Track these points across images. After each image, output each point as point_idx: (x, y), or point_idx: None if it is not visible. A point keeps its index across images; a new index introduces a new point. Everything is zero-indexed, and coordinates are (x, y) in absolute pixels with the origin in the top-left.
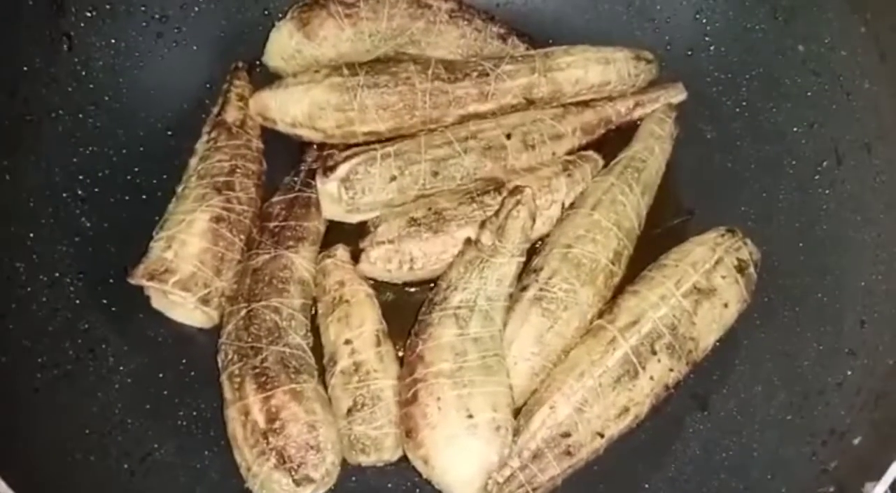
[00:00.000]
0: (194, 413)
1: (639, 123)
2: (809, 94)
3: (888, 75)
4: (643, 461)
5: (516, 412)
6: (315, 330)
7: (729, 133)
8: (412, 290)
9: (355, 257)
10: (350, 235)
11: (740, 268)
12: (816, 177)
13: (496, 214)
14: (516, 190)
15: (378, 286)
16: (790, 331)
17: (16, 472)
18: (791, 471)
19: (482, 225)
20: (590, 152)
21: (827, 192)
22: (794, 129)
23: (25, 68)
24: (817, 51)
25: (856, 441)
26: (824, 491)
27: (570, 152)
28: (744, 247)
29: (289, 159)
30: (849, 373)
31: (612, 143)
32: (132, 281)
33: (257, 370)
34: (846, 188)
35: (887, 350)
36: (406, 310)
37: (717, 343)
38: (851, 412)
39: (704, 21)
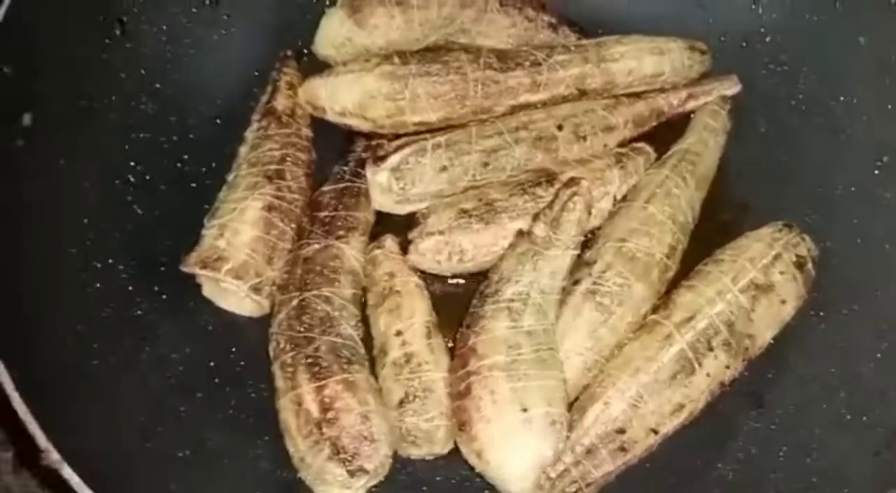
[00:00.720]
0: (245, 402)
1: (691, 115)
2: (870, 89)
3: None
4: (696, 459)
5: (569, 407)
6: (365, 321)
7: (784, 127)
8: (461, 281)
9: (404, 248)
10: (399, 226)
11: (799, 264)
12: (875, 172)
13: (550, 205)
14: (572, 181)
15: (426, 278)
16: (848, 328)
17: (74, 461)
18: (852, 473)
19: (535, 217)
20: (642, 144)
21: (885, 189)
22: (852, 123)
23: (79, 54)
24: (878, 43)
25: None
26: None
27: (621, 144)
28: (802, 243)
29: (337, 149)
30: None
31: (664, 135)
32: (184, 269)
33: (310, 360)
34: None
35: None
36: (454, 302)
37: (773, 340)
38: None
39: (760, 11)
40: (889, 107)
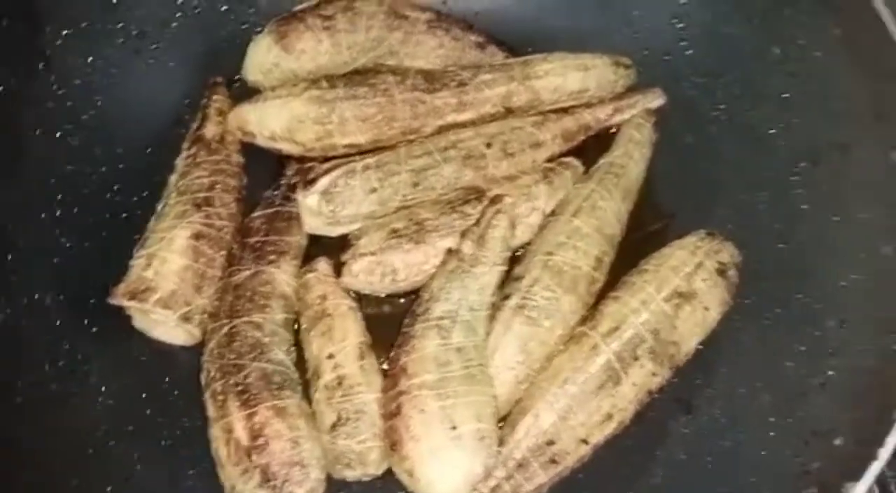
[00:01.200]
0: (178, 432)
1: (618, 128)
2: (785, 96)
3: (862, 75)
4: (629, 467)
5: (502, 421)
6: (299, 345)
7: (707, 136)
8: (401, 301)
9: (338, 270)
10: (332, 249)
11: (721, 271)
12: (794, 178)
13: (476, 223)
14: (496, 199)
15: (362, 299)
16: (772, 333)
17: None
18: (774, 473)
19: (463, 235)
20: (570, 159)
21: (805, 193)
22: (771, 130)
23: (2, 89)
24: (792, 53)
25: (837, 442)
26: (807, 491)
27: (550, 159)
28: (724, 250)
29: (270, 173)
30: (830, 373)
31: (593, 149)
32: (112, 301)
33: (240, 387)
34: (823, 189)
35: (867, 350)
36: (391, 322)
37: (701, 347)
38: (833, 413)
39: (681, 26)
40: (802, 114)
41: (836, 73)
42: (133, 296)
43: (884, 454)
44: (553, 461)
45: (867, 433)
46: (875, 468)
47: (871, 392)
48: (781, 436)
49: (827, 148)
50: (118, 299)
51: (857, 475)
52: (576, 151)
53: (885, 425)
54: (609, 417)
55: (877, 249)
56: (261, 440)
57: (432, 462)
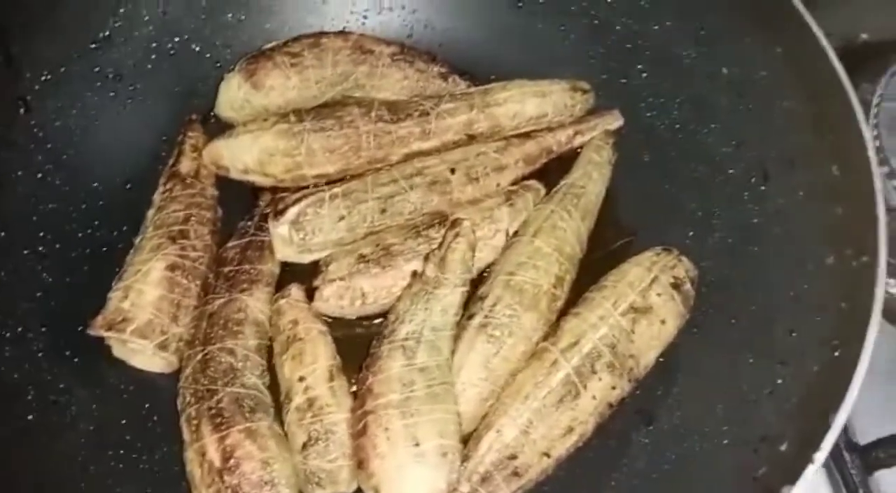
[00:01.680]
0: (156, 457)
1: (579, 150)
2: (735, 114)
3: (805, 92)
4: (592, 478)
5: (467, 438)
6: (272, 369)
7: (664, 156)
8: (372, 323)
9: (309, 295)
10: (304, 275)
11: (676, 285)
12: (746, 194)
13: (438, 246)
14: (455, 223)
15: (333, 322)
16: (727, 343)
17: None
18: (725, 480)
19: (426, 258)
20: (531, 182)
21: (756, 208)
22: (723, 148)
23: None
24: (739, 73)
25: (782, 447)
26: None
27: (514, 182)
28: (679, 265)
29: (245, 205)
30: (779, 381)
31: (556, 171)
32: (91, 332)
33: (213, 411)
34: (773, 203)
35: (813, 358)
36: (363, 343)
37: (661, 359)
38: (780, 420)
39: (636, 49)
40: (751, 132)
41: (780, 91)
42: (110, 327)
43: (819, 457)
44: (516, 475)
45: (808, 437)
46: (810, 472)
47: (815, 398)
48: (734, 444)
49: (775, 163)
50: (96, 329)
51: (794, 479)
52: (538, 174)
53: (822, 430)
54: (570, 430)
55: (822, 259)
56: (232, 462)
57: (397, 479)
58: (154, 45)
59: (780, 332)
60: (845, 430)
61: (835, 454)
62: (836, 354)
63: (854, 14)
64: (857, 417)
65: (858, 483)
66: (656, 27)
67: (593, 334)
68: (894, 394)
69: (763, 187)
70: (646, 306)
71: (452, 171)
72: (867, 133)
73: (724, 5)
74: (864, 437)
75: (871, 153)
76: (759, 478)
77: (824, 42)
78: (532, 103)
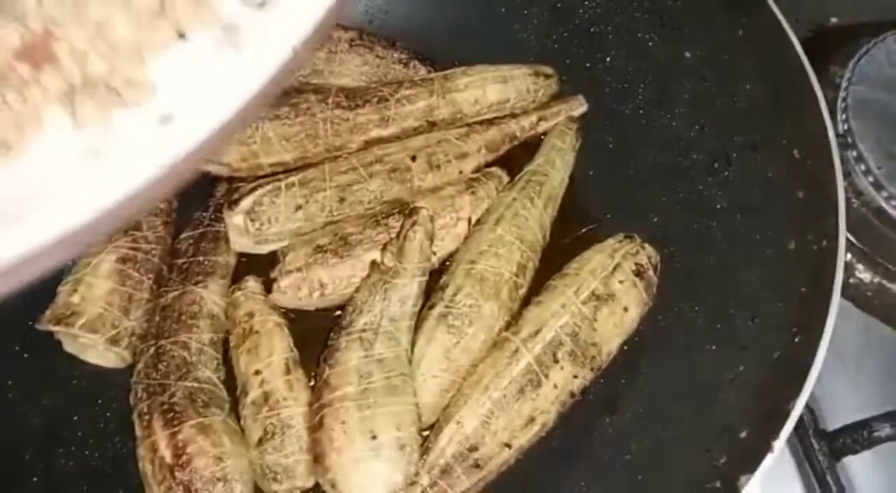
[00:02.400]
0: (109, 454)
1: (543, 137)
2: (698, 98)
3: (767, 76)
4: (555, 468)
5: (429, 430)
6: (229, 363)
7: (628, 141)
8: (334, 314)
9: (267, 287)
10: (262, 267)
11: (638, 272)
12: (709, 178)
13: (396, 236)
14: (413, 211)
15: (292, 315)
16: (691, 330)
17: None
18: (687, 469)
19: (383, 248)
20: (494, 169)
21: (719, 192)
22: (687, 133)
23: None
24: (702, 56)
25: (742, 435)
26: (711, 487)
27: (477, 170)
28: (641, 251)
29: (201, 195)
30: (741, 368)
31: (519, 158)
32: (40, 327)
33: (165, 407)
34: (736, 188)
35: (774, 344)
36: (323, 335)
37: (625, 347)
38: (741, 407)
39: (599, 33)
40: (714, 116)
41: (742, 74)
42: (59, 321)
43: (778, 445)
44: (477, 466)
45: (766, 425)
46: (769, 460)
47: (775, 385)
48: (695, 432)
49: (738, 148)
50: (45, 324)
51: (753, 468)
52: (501, 161)
53: (781, 417)
54: (531, 420)
55: (784, 244)
56: (184, 458)
57: (353, 473)
58: None
59: (742, 318)
60: (813, 416)
61: (803, 440)
62: (797, 340)
63: None
64: (824, 403)
65: (826, 469)
66: (619, 11)
67: (555, 323)
68: (862, 380)
69: (726, 172)
70: (608, 293)
71: (413, 158)
72: (827, 117)
73: None
74: (832, 423)
75: (832, 137)
76: (720, 467)
77: (786, 25)
78: (494, 89)
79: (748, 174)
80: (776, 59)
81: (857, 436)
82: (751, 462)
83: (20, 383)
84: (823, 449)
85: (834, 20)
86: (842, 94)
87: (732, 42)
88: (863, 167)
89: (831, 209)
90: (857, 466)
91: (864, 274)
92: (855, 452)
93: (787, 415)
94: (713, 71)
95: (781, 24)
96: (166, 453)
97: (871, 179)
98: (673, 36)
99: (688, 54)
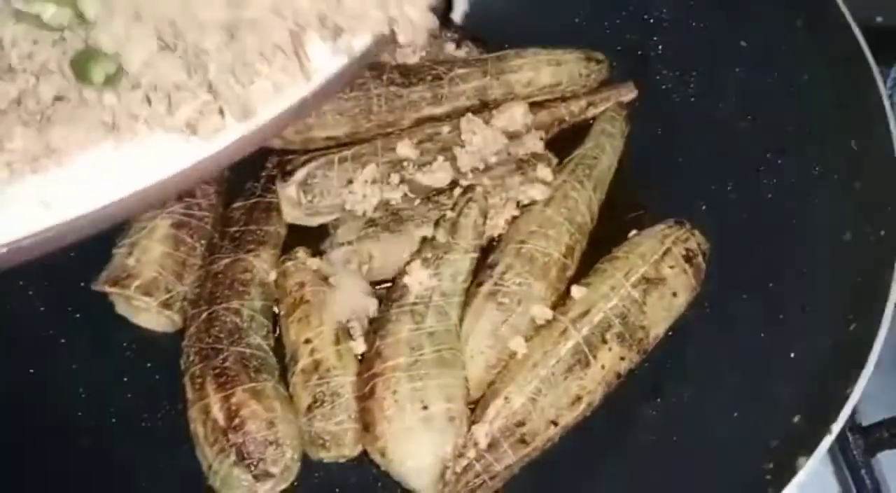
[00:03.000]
0: (158, 415)
1: (592, 121)
2: (752, 87)
3: (823, 66)
4: (598, 449)
5: (474, 404)
6: (278, 331)
7: (678, 128)
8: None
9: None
10: (312, 239)
11: (688, 258)
12: (761, 167)
13: (451, 210)
14: (468, 189)
15: None
16: (739, 318)
17: None
18: (737, 452)
19: (436, 223)
20: (544, 151)
21: (771, 182)
22: (740, 122)
23: None
24: (759, 46)
25: (795, 420)
26: (764, 468)
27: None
28: (692, 238)
29: (253, 166)
30: (791, 355)
31: (569, 141)
32: (95, 287)
33: (217, 370)
34: (788, 178)
35: (825, 333)
36: None
37: (671, 332)
38: (792, 393)
39: (652, 21)
40: (768, 105)
41: (799, 64)
42: (115, 282)
43: (836, 428)
44: (523, 442)
45: (822, 409)
46: (827, 442)
47: (828, 372)
48: (744, 416)
49: (792, 138)
50: (101, 285)
51: (810, 450)
52: (551, 144)
53: (838, 401)
54: (578, 399)
55: (838, 235)
56: (237, 421)
57: (404, 441)
58: None
59: (793, 307)
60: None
61: (839, 434)
62: (851, 328)
63: None
64: (860, 398)
65: (861, 464)
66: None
67: (604, 304)
68: None
69: (779, 161)
70: (658, 277)
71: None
72: (888, 107)
73: None
74: (867, 418)
75: (893, 129)
76: (772, 449)
77: (848, 15)
78: (546, 72)
79: (802, 164)
80: (836, 48)
81: (894, 431)
82: (808, 444)
83: (72, 344)
84: (859, 444)
85: (879, 19)
86: (887, 92)
87: (791, 31)
88: None
89: (890, 200)
90: (893, 460)
91: None
92: (891, 446)
93: (845, 399)
94: (770, 60)
95: (843, 13)
96: (219, 415)
97: None
98: (729, 25)
99: (743, 43)
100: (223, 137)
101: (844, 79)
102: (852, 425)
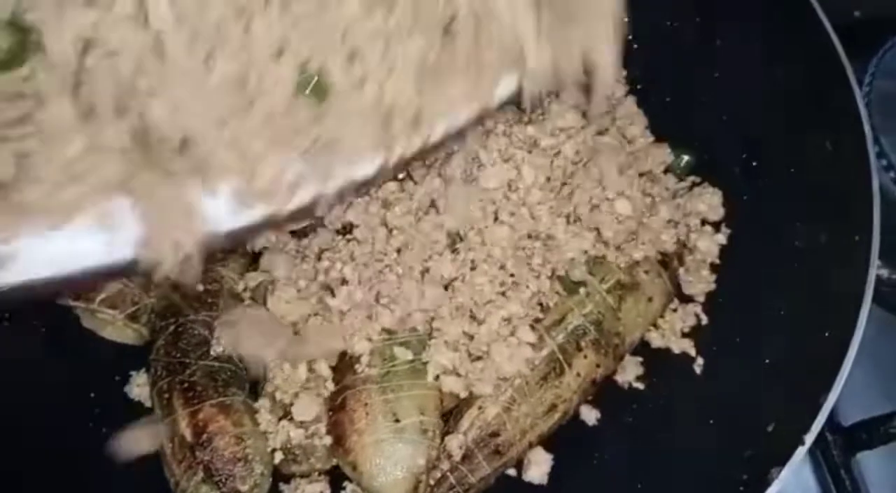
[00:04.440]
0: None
1: None
2: (727, 88)
3: (799, 66)
4: (569, 459)
5: (449, 415)
6: None
7: (653, 131)
8: None
9: None
10: None
11: (663, 263)
12: (736, 169)
13: None
14: None
15: None
16: (715, 323)
17: None
18: (712, 461)
19: None
20: None
21: (747, 184)
22: (714, 123)
23: None
24: (734, 45)
25: (769, 428)
26: (738, 479)
27: None
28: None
29: None
30: (767, 361)
31: None
32: (60, 301)
33: (185, 385)
34: (765, 180)
35: (802, 338)
36: None
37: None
38: (767, 400)
39: (626, 20)
40: (743, 106)
41: (774, 65)
42: (79, 296)
43: (809, 438)
44: (497, 453)
45: (796, 419)
46: (801, 453)
47: (803, 380)
48: (719, 424)
49: (768, 139)
50: (65, 299)
51: (783, 461)
52: None
53: (812, 411)
54: (553, 407)
55: (814, 236)
56: (205, 437)
57: (375, 455)
58: None
59: (770, 311)
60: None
61: (818, 435)
62: (827, 334)
63: None
64: (840, 398)
65: (841, 465)
66: None
67: (579, 311)
68: (877, 376)
69: (755, 163)
70: (633, 283)
71: None
72: (862, 108)
73: None
74: (847, 418)
75: (868, 131)
76: (747, 459)
77: (822, 15)
78: None
79: (778, 166)
80: (811, 49)
81: (873, 432)
82: (781, 455)
83: (38, 358)
84: (839, 444)
85: (857, 13)
86: (864, 89)
87: (766, 31)
88: (885, 162)
89: (866, 203)
90: (872, 461)
91: (882, 270)
92: (870, 447)
93: (818, 409)
94: (744, 60)
95: (817, 13)
96: (187, 431)
97: (892, 174)
98: (704, 25)
99: (719, 42)
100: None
101: (818, 79)
102: (832, 426)
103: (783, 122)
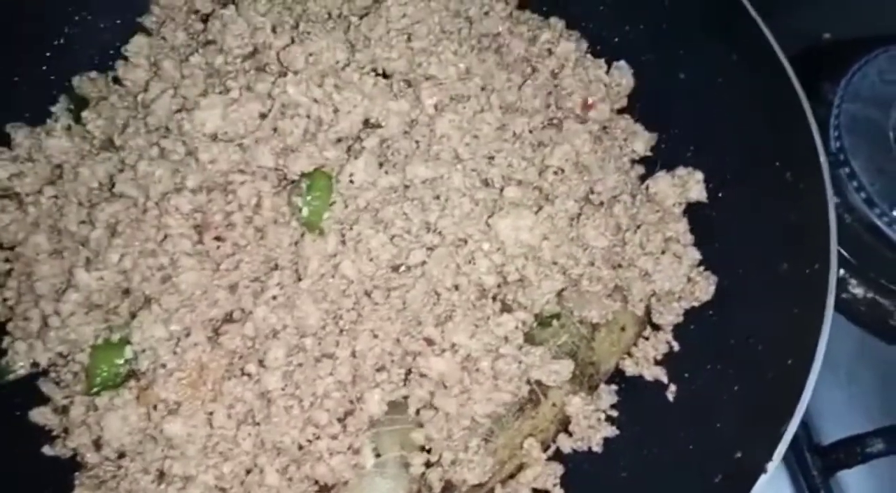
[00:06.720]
0: None
1: None
2: (692, 120)
3: (760, 100)
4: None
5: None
6: None
7: None
8: None
9: None
10: None
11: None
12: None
13: None
14: None
15: None
16: (685, 350)
17: None
18: (680, 487)
19: None
20: None
21: (714, 214)
22: (682, 155)
23: None
24: (696, 79)
25: (737, 455)
26: None
27: None
28: None
29: None
30: (735, 388)
31: None
32: None
33: None
34: (730, 211)
35: (767, 365)
36: None
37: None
38: (736, 427)
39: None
40: (708, 137)
41: (736, 98)
42: None
43: (771, 466)
44: (478, 485)
45: (762, 445)
46: (762, 481)
47: (768, 407)
48: (690, 451)
49: (732, 170)
50: None
51: (747, 488)
52: None
53: (773, 440)
54: (530, 437)
55: (776, 266)
56: None
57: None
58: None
59: (738, 338)
60: (807, 431)
61: (797, 454)
62: (790, 362)
63: (818, 12)
64: (818, 417)
65: (820, 484)
66: (615, 31)
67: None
68: (855, 394)
69: (720, 194)
70: None
71: None
72: (819, 141)
73: (681, 12)
74: (825, 437)
75: (823, 161)
76: (715, 486)
77: (777, 49)
78: None
79: (741, 196)
80: (769, 82)
81: (851, 451)
82: (745, 483)
83: None
84: (817, 464)
85: (827, 35)
86: (834, 111)
87: (727, 65)
88: (855, 184)
89: (823, 233)
90: (851, 480)
91: (857, 289)
92: (848, 467)
93: (779, 438)
94: (707, 93)
95: (773, 47)
96: None
97: (863, 195)
98: (667, 57)
99: (682, 75)
100: None
101: (777, 112)
102: (810, 445)
103: (746, 154)
